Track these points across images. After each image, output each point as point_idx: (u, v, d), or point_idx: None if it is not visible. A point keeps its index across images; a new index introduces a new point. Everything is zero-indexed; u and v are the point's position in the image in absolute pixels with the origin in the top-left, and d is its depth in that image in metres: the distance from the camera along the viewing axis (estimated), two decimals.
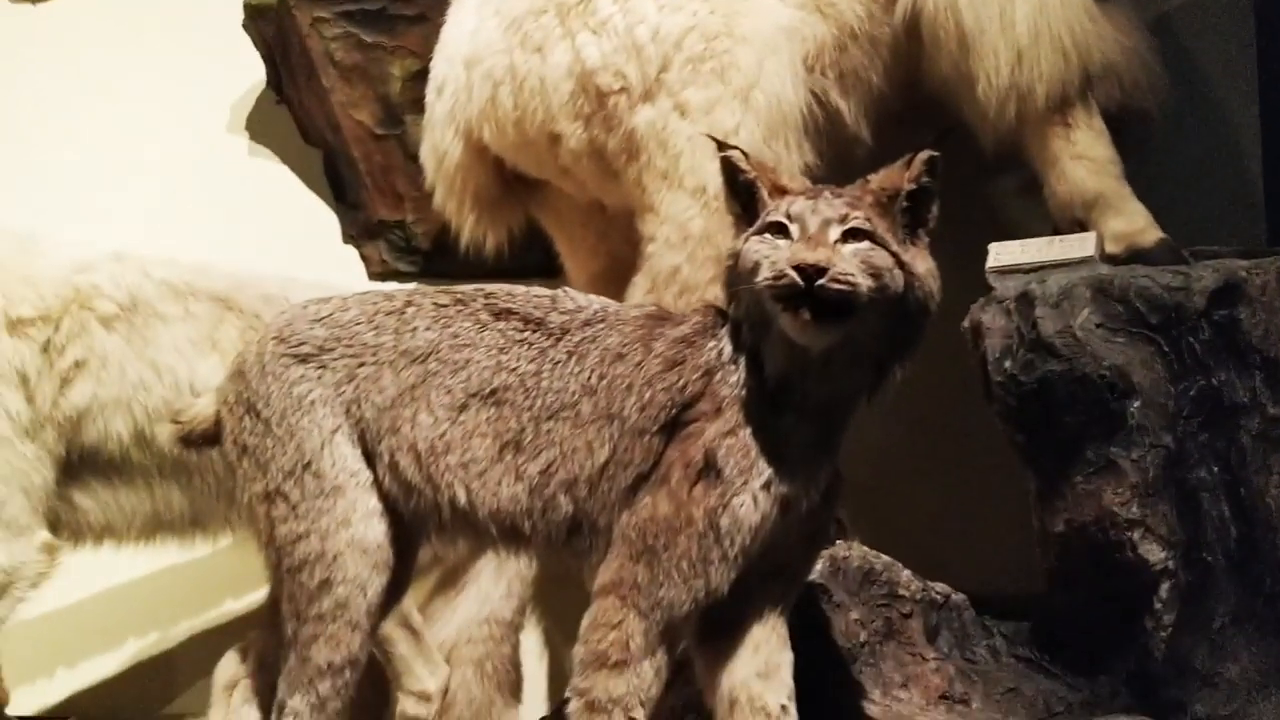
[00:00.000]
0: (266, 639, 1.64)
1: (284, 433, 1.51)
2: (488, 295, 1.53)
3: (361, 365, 1.52)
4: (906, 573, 1.89)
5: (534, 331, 1.48)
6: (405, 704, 2.14)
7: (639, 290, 2.00)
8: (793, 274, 1.27)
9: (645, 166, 1.98)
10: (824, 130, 1.99)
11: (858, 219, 1.30)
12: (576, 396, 1.42)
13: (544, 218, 2.35)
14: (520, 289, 1.56)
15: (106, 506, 1.89)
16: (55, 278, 1.80)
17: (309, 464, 1.50)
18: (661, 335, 1.43)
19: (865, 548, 1.89)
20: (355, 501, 1.49)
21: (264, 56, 2.84)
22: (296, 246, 2.85)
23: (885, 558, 1.89)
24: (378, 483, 1.51)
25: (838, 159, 2.03)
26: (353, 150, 2.77)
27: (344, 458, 1.50)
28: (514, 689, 2.34)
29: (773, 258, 1.31)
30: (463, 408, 1.46)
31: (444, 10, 2.38)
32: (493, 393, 1.46)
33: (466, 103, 2.14)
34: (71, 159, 2.96)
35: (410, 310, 1.54)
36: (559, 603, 2.49)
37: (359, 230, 2.87)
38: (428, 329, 1.51)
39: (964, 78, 1.90)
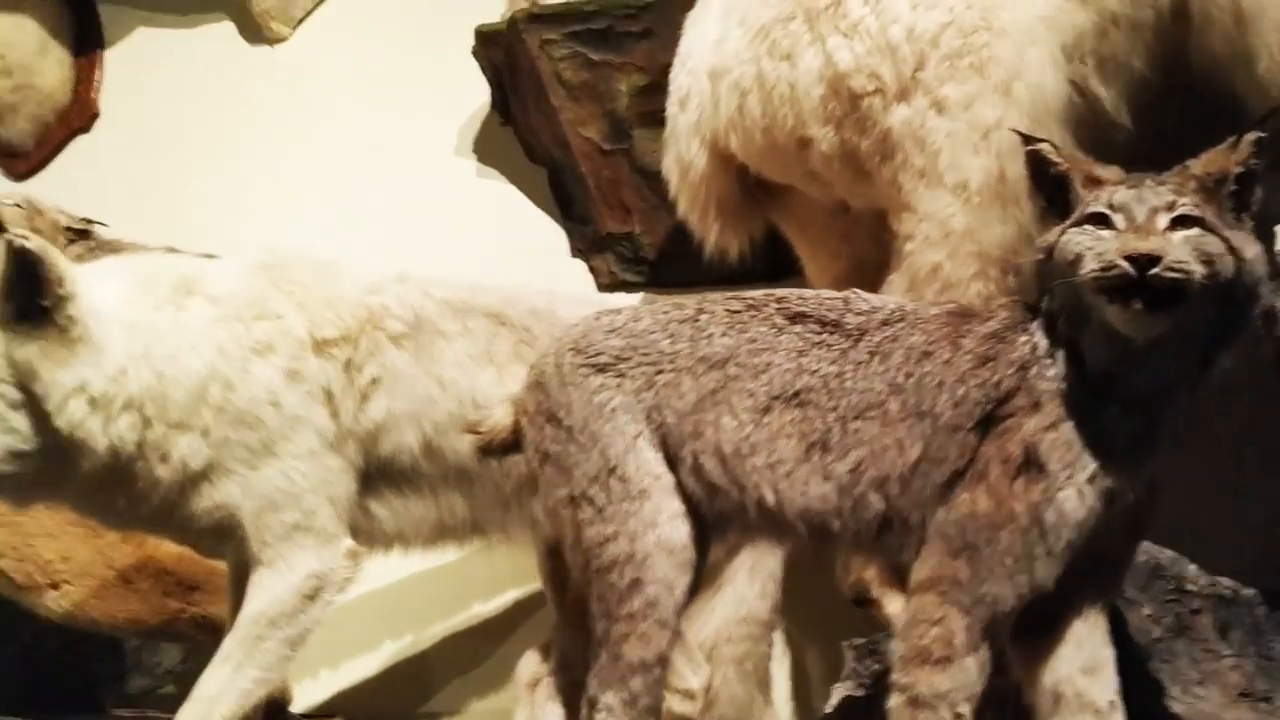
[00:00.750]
0: (568, 637, 1.71)
1: (587, 439, 1.57)
2: (779, 300, 1.56)
3: (660, 373, 1.57)
4: (1193, 567, 1.84)
5: (831, 333, 1.50)
6: (671, 701, 2.18)
7: (897, 289, 2.00)
8: (1124, 264, 1.26)
9: (901, 166, 1.98)
10: (1084, 119, 1.95)
11: (1185, 205, 1.29)
12: (883, 396, 1.44)
13: (785, 223, 2.37)
14: (809, 292, 1.58)
15: (398, 515, 1.99)
16: (351, 300, 1.92)
17: (614, 469, 1.55)
18: (970, 332, 1.43)
19: (1148, 542, 1.84)
20: (660, 504, 1.54)
21: (491, 81, 2.96)
22: (526, 262, 2.95)
23: (1169, 552, 1.85)
24: (680, 485, 1.56)
25: (1097, 146, 1.98)
26: (581, 166, 2.85)
27: (647, 462, 1.55)
28: (770, 689, 2.36)
29: (1097, 249, 1.30)
30: (766, 410, 1.50)
31: (670, 26, 2.43)
32: (795, 395, 1.48)
33: (713, 113, 2.18)
34: (312, 188, 3.14)
35: (704, 318, 1.58)
36: (799, 603, 2.51)
37: (587, 244, 2.95)
38: (724, 335, 1.55)
39: (1240, 55, 1.84)
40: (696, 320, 1.58)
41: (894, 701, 1.38)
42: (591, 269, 2.95)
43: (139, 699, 2.79)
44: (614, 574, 1.54)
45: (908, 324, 1.47)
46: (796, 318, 1.53)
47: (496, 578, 2.87)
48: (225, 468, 1.79)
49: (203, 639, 2.41)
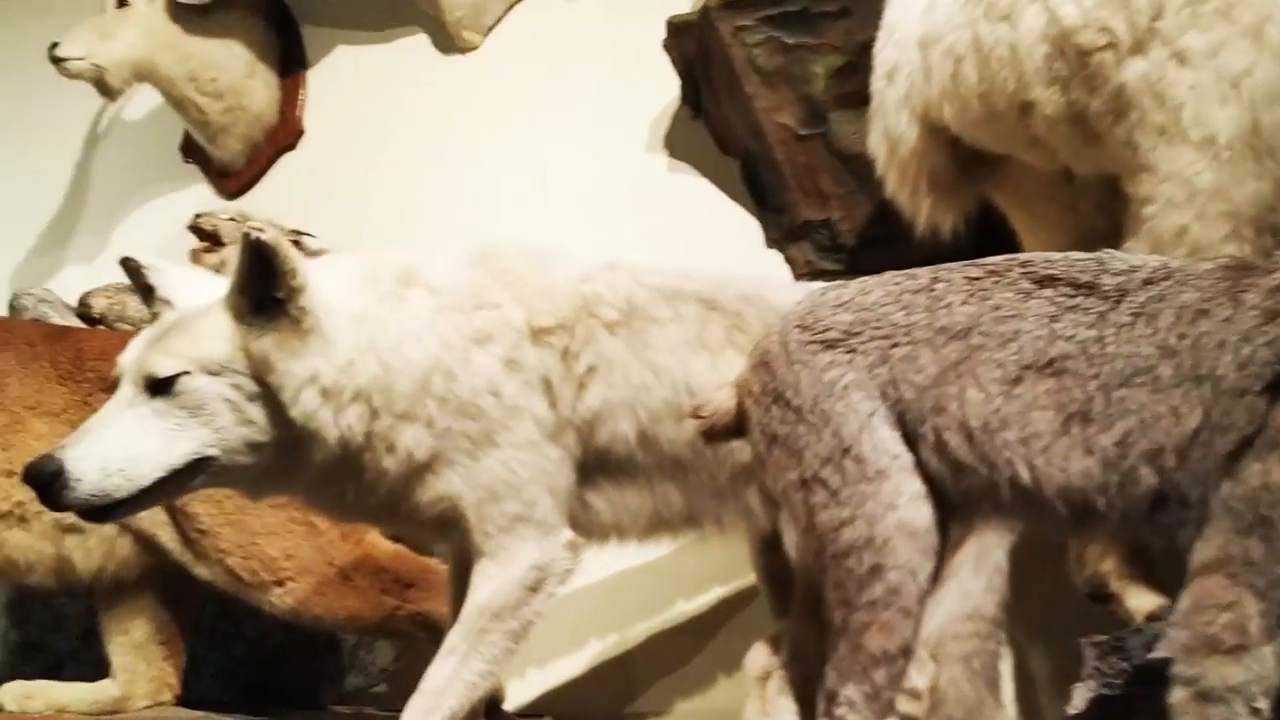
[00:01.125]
0: (800, 628, 1.64)
1: (818, 419, 1.50)
2: (1024, 264, 1.46)
3: (895, 346, 1.49)
4: None
5: (1086, 296, 1.39)
6: (897, 700, 2.08)
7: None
8: None
9: (1137, 124, 1.84)
10: None
11: None
12: (1153, 360, 1.32)
13: (1002, 196, 2.25)
14: (1055, 255, 1.48)
15: (615, 505, 1.96)
16: (565, 288, 1.90)
17: (848, 449, 1.48)
18: (1252, 286, 1.30)
19: None
20: (900, 485, 1.46)
21: (681, 73, 2.93)
22: (721, 255, 2.90)
23: None
24: (920, 465, 1.47)
25: None
26: (776, 154, 2.79)
27: (884, 441, 1.47)
28: (999, 689, 2.23)
29: None
30: (1016, 381, 1.39)
31: (867, 3, 2.35)
32: (1050, 363, 1.38)
33: (924, 84, 2.08)
34: (509, 192, 3.18)
35: (940, 286, 1.49)
36: (1023, 598, 2.37)
37: (783, 233, 2.88)
38: (964, 303, 1.46)
39: None
40: (932, 289, 1.49)
41: (1177, 696, 1.26)
42: (788, 259, 2.88)
43: (354, 697, 2.85)
44: (852, 560, 1.47)
45: (1175, 281, 1.35)
46: (1045, 281, 1.42)
47: (702, 574, 2.82)
48: (448, 458, 1.80)
49: (418, 636, 2.44)
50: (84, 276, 3.46)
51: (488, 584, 1.81)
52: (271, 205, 3.27)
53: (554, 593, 1.86)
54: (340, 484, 1.78)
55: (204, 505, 2.27)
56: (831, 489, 1.49)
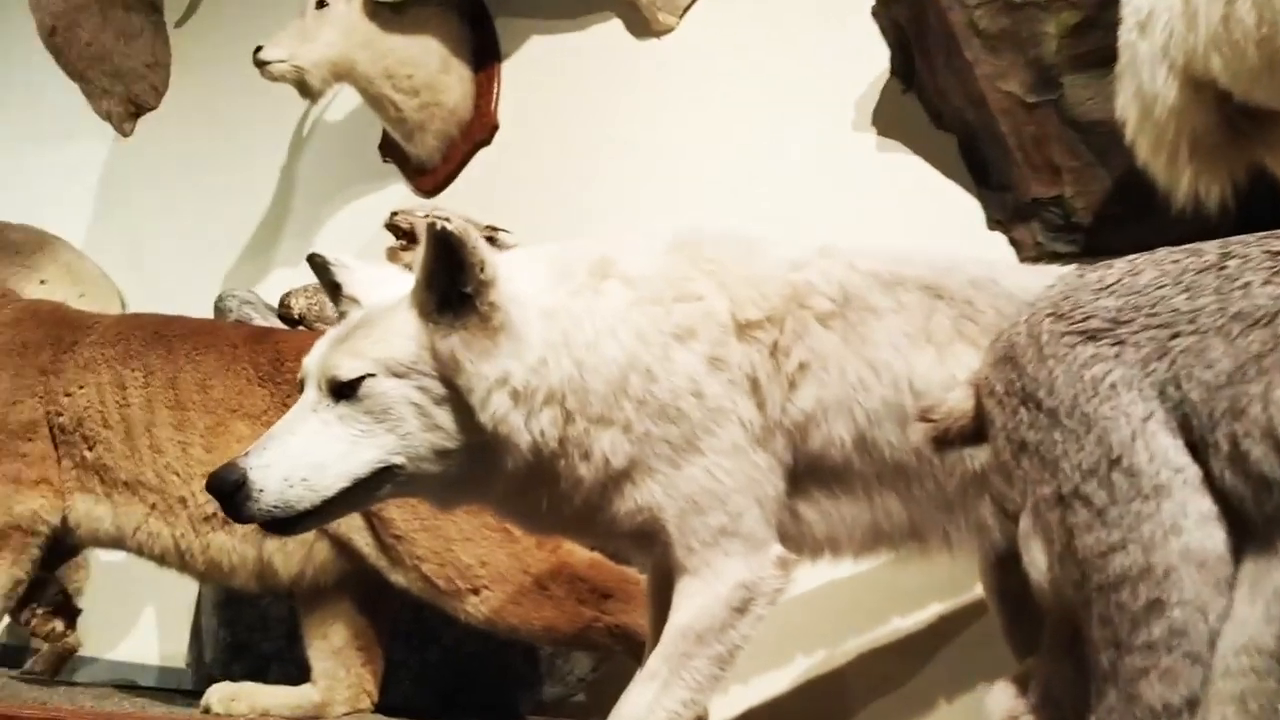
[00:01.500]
0: (1052, 668, 1.41)
1: (1077, 424, 1.28)
2: None
3: (1175, 337, 1.24)
4: None
5: None
6: None
7: None
8: None
9: None
10: None
11: None
12: None
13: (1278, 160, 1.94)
14: None
15: (829, 517, 1.77)
16: (774, 277, 1.72)
17: (1117, 459, 1.25)
18: None
19: None
20: (1184, 504, 1.22)
21: (892, 43, 2.71)
22: (937, 237, 2.67)
23: None
24: (1210, 479, 1.22)
25: None
26: (1000, 125, 2.52)
27: (1163, 450, 1.23)
28: None
29: None
30: None
31: None
32: None
33: (1185, 32, 1.80)
34: (710, 177, 3.02)
35: (1233, 264, 1.24)
36: None
37: (1007, 213, 2.61)
38: (1266, 283, 1.20)
39: None
40: (1223, 267, 1.24)
41: None
42: (1013, 241, 2.61)
43: (551, 707, 2.76)
44: (1124, 592, 1.24)
45: None
46: None
47: (920, 588, 2.59)
48: (647, 466, 1.64)
49: (616, 649, 2.31)
50: (290, 279, 3.50)
51: (691, 604, 1.65)
52: (468, 201, 3.22)
53: (763, 614, 1.69)
54: (533, 494, 1.65)
55: (399, 510, 2.20)
56: (1096, 507, 1.26)
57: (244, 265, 3.86)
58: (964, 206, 2.70)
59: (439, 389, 1.56)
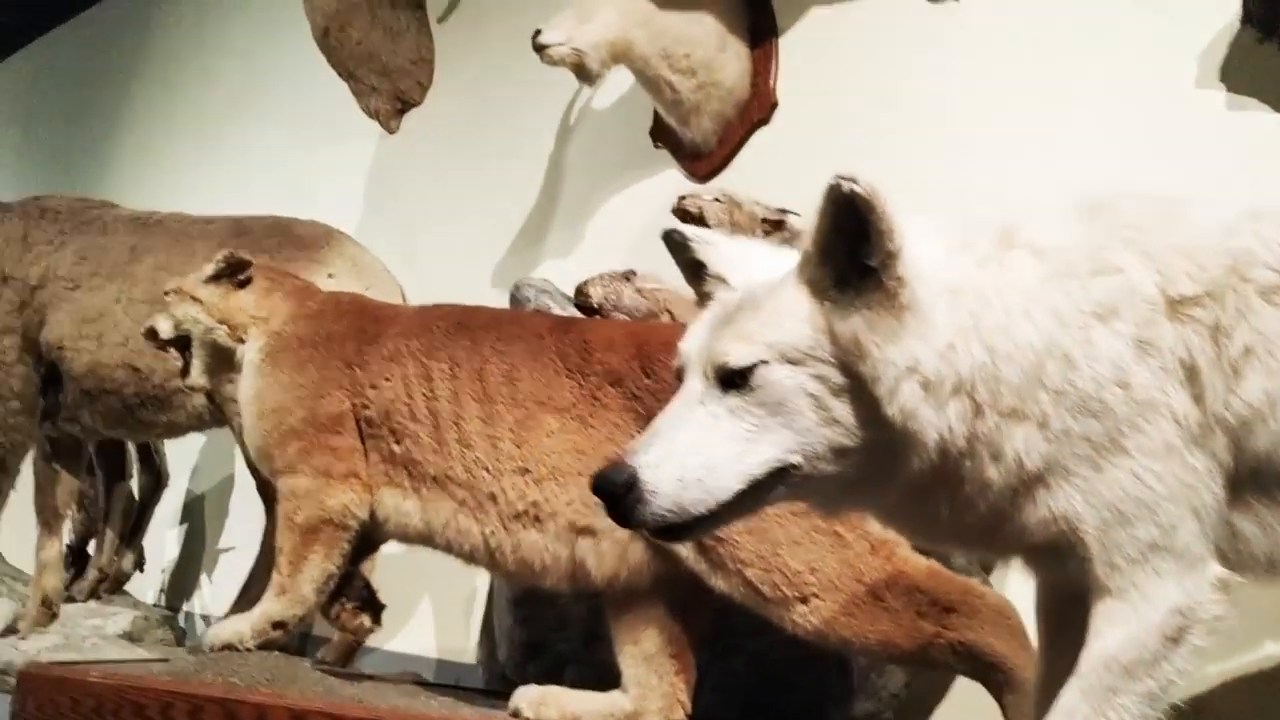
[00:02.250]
0: None
1: None
2: None
3: None
4: None
5: None
6: None
7: None
8: None
9: None
10: None
11: None
12: None
13: None
14: None
15: (1271, 532, 1.49)
16: (1208, 245, 1.45)
17: None
18: None
19: None
20: None
21: None
22: None
23: None
24: None
25: None
26: None
27: None
28: None
29: None
30: None
31: None
32: None
33: None
34: (1030, 147, 2.74)
35: None
36: None
37: None
38: None
39: None
40: None
41: None
42: None
43: None
44: None
45: None
46: None
47: None
48: (1065, 468, 1.41)
49: (959, 669, 2.08)
50: (561, 270, 3.42)
51: (1117, 632, 1.40)
52: (746, 184, 3.04)
53: (1201, 645, 1.43)
54: (933, 498, 1.44)
55: None
56: None
57: (514, 257, 3.81)
58: None
59: (838, 378, 1.37)
